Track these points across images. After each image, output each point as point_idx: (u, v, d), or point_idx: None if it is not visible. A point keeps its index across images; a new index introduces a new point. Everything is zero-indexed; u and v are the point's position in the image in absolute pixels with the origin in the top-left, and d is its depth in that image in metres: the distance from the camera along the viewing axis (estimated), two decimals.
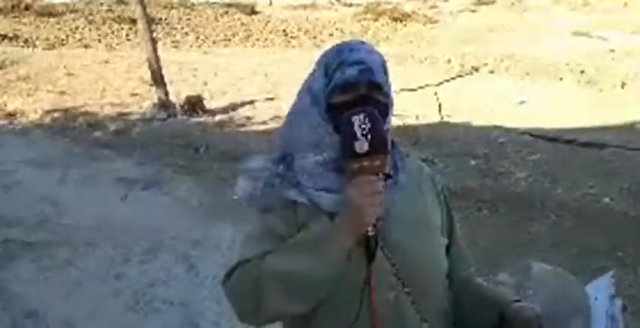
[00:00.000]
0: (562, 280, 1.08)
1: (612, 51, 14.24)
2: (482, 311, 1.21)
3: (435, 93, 9.71)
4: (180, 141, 6.97)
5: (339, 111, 1.13)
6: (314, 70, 1.22)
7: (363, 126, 1.06)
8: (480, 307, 1.22)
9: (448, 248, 1.27)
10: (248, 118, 8.51)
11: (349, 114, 1.08)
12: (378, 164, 1.07)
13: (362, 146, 1.06)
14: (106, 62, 12.55)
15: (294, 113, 1.23)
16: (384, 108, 1.16)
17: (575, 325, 1.05)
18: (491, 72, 12.46)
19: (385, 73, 1.18)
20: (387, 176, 1.14)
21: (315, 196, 1.14)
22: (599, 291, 1.06)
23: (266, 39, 17.67)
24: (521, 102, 9.46)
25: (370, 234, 1.08)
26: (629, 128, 7.64)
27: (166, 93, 8.62)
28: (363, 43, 1.21)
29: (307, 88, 1.22)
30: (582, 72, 12.09)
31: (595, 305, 1.04)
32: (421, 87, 10.40)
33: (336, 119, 1.13)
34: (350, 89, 1.13)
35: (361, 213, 1.05)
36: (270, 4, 23.11)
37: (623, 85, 10.79)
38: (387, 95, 1.18)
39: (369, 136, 1.06)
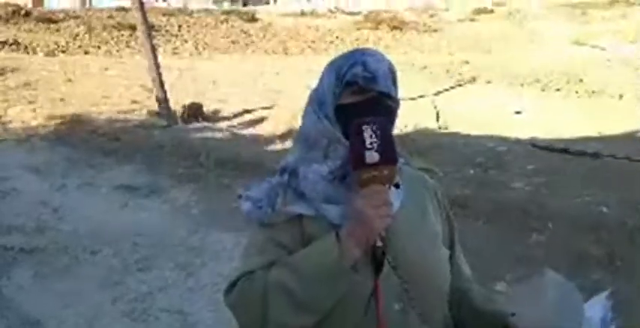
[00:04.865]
0: (563, 294, 1.07)
1: (610, 61, 14.30)
2: (484, 323, 1.22)
3: (435, 106, 9.75)
4: (180, 148, 6.98)
5: (348, 113, 1.13)
6: (322, 76, 1.22)
7: (373, 135, 1.03)
8: (482, 318, 1.23)
9: (449, 258, 1.27)
10: (248, 125, 8.54)
11: (359, 123, 1.05)
12: (387, 174, 1.04)
13: (372, 156, 1.02)
14: (106, 69, 12.60)
15: (302, 122, 1.22)
16: (392, 114, 1.17)
17: None
18: (489, 81, 12.51)
19: (394, 79, 1.19)
20: (396, 186, 1.11)
21: (321, 208, 1.12)
22: (593, 311, 1.06)
23: (266, 46, 17.75)
24: (517, 113, 9.50)
25: (378, 245, 1.06)
26: (627, 138, 7.67)
27: (166, 101, 8.64)
28: (374, 50, 1.22)
29: (315, 94, 1.22)
30: (580, 81, 12.15)
31: (586, 325, 1.04)
32: (419, 97, 10.44)
33: (345, 122, 1.13)
34: (360, 91, 1.14)
35: (369, 225, 1.02)
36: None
37: (620, 96, 10.82)
38: (396, 101, 1.19)
39: (379, 146, 1.03)
